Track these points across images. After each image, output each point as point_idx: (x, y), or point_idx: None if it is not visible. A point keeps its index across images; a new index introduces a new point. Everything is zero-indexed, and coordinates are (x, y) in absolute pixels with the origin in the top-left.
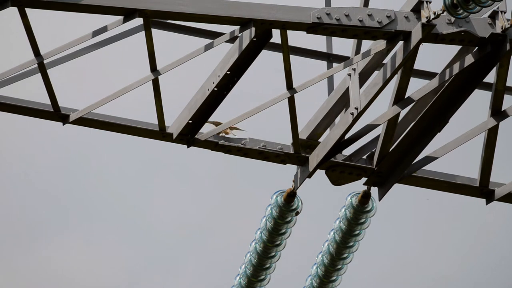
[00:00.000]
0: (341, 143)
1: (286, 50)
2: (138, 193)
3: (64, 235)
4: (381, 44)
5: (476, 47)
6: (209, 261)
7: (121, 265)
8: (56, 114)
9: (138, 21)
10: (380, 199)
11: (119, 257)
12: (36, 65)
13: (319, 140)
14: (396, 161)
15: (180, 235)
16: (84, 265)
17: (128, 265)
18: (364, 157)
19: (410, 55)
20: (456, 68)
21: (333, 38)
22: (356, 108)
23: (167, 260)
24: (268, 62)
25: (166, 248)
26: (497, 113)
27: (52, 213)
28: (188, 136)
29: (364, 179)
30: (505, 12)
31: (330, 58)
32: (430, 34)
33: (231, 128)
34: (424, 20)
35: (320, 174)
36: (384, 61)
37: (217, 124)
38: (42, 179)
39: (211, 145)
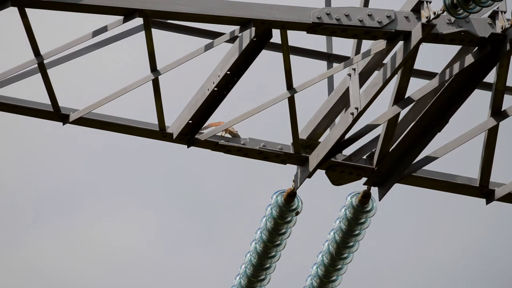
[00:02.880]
0: (341, 143)
1: (286, 50)
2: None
3: (114, 202)
4: (381, 44)
5: (476, 47)
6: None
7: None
8: (56, 114)
9: (138, 21)
10: (380, 199)
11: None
12: (36, 65)
13: (319, 140)
14: (396, 161)
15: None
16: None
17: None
18: (364, 157)
19: (410, 55)
20: (456, 68)
21: (333, 38)
22: (356, 108)
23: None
24: (268, 62)
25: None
26: (497, 113)
27: (100, 180)
28: (188, 136)
29: (364, 179)
30: (505, 12)
31: (330, 58)
32: (430, 34)
33: (226, 131)
34: (424, 20)
35: (320, 174)
36: (384, 61)
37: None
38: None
39: (211, 145)
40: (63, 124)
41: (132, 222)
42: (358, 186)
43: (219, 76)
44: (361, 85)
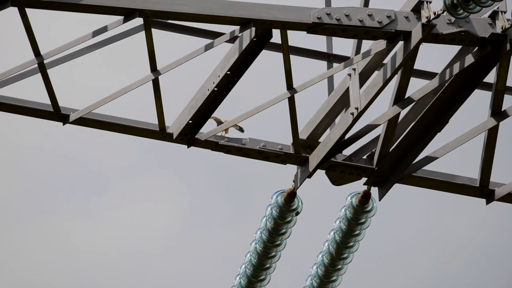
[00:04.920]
0: (341, 143)
1: (286, 50)
2: None
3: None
4: (381, 44)
5: (476, 47)
6: None
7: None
8: (56, 114)
9: (138, 21)
10: (380, 199)
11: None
12: (36, 65)
13: (319, 140)
14: (396, 161)
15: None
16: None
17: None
18: (364, 157)
19: (410, 55)
20: (456, 68)
21: (333, 38)
22: (356, 108)
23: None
24: (268, 62)
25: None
26: (497, 113)
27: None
28: (188, 136)
29: (364, 179)
30: (505, 12)
31: (330, 58)
32: (430, 34)
33: (227, 131)
34: (424, 20)
35: (320, 174)
36: (384, 61)
37: (218, 121)
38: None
39: (211, 145)
40: (63, 124)
41: (166, 201)
42: (358, 186)
43: (219, 76)
44: (361, 85)
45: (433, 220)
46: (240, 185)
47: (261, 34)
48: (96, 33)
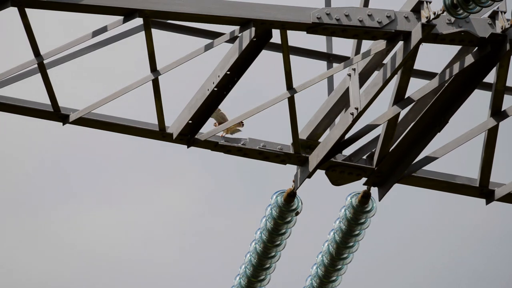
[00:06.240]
0: (341, 143)
1: (286, 50)
2: None
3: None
4: (381, 44)
5: (476, 47)
6: None
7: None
8: (56, 114)
9: (138, 21)
10: (380, 199)
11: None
12: (36, 65)
13: (319, 140)
14: (396, 161)
15: None
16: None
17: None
18: (364, 157)
19: (410, 55)
20: (456, 68)
21: (333, 38)
22: (356, 108)
23: None
24: (268, 62)
25: None
26: (497, 113)
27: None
28: (188, 136)
29: (364, 179)
30: (505, 12)
31: (330, 58)
32: (430, 34)
33: (228, 130)
34: (424, 20)
35: (320, 174)
36: (384, 61)
37: (220, 120)
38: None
39: (211, 145)
40: (63, 124)
41: (188, 188)
42: (358, 186)
43: (219, 76)
44: (361, 85)
45: (433, 220)
46: (242, 185)
47: (261, 34)
48: (96, 33)
